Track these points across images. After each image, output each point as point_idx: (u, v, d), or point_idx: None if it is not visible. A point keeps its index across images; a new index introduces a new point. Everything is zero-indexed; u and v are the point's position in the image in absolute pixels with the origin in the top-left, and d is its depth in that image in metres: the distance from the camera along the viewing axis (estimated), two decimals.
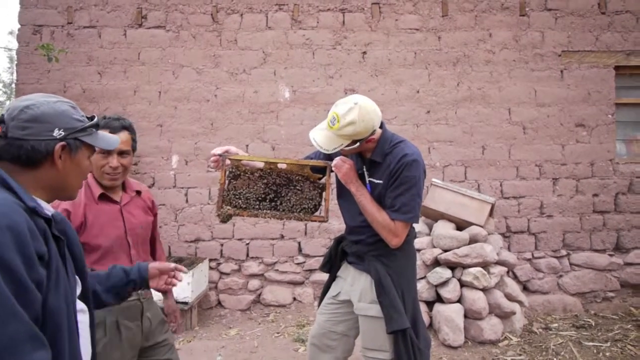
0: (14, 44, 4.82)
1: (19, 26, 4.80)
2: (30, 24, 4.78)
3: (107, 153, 1.83)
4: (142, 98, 4.79)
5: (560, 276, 4.73)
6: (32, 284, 0.93)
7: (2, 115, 1.10)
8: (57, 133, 1.10)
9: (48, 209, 1.14)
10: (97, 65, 4.78)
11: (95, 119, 1.22)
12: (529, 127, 4.88)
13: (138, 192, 2.02)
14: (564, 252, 4.78)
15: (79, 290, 1.18)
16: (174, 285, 1.58)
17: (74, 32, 4.79)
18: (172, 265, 1.58)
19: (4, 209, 0.94)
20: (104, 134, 1.28)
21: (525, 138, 4.87)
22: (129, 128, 1.90)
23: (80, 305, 1.21)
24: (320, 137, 1.85)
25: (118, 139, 1.35)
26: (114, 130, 1.83)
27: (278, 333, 4.01)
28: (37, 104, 1.10)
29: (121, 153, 1.85)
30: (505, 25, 4.90)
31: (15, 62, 4.92)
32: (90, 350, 1.25)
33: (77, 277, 1.24)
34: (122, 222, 1.88)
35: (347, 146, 1.85)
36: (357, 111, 1.77)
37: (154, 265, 1.53)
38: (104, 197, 1.87)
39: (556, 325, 4.12)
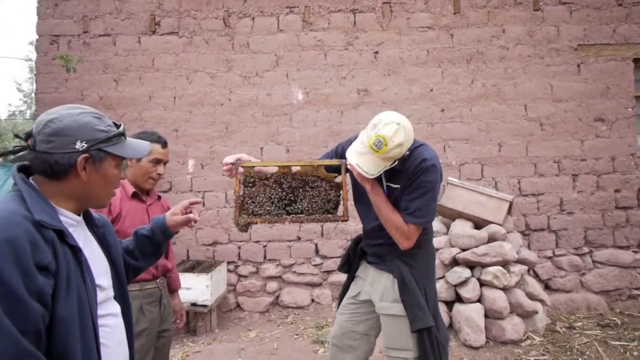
0: (34, 55, 4.98)
1: (37, 37, 4.90)
2: (48, 34, 4.88)
3: (157, 162, 2.17)
4: (157, 104, 4.85)
5: (583, 274, 4.64)
6: (30, 296, 0.94)
7: (32, 128, 1.13)
8: (79, 145, 1.11)
9: (72, 217, 1.16)
10: (113, 73, 4.86)
11: (120, 129, 1.20)
12: (546, 123, 4.80)
13: (159, 197, 2.35)
14: (586, 250, 4.69)
15: (103, 296, 1.19)
16: (195, 220, 1.57)
17: (89, 41, 4.87)
18: (185, 202, 1.58)
19: (4, 222, 0.98)
20: (132, 141, 1.26)
21: (543, 134, 4.80)
22: (167, 143, 2.25)
23: (111, 308, 1.23)
24: (365, 163, 1.79)
25: (148, 146, 1.31)
26: (164, 146, 2.19)
27: (297, 335, 4.00)
28: (60, 117, 1.12)
29: (165, 163, 2.24)
30: (519, 20, 4.84)
31: (35, 72, 5.02)
32: (127, 352, 1.26)
33: (111, 281, 1.26)
34: (147, 218, 2.14)
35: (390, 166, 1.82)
36: (403, 132, 1.73)
37: (170, 218, 1.53)
38: (135, 196, 2.17)
39: (580, 324, 4.03)
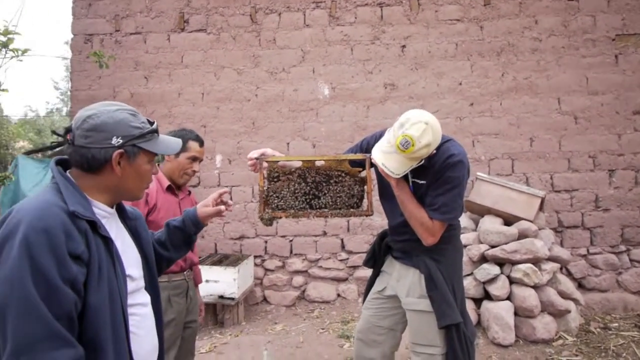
0: (68, 54, 5.22)
1: (72, 36, 5.07)
2: (82, 34, 5.04)
3: (194, 159, 2.26)
4: (186, 100, 4.94)
5: (620, 273, 4.47)
6: (64, 283, 0.98)
7: (72, 124, 1.18)
8: (115, 141, 1.15)
9: (105, 209, 1.20)
10: (144, 70, 4.97)
11: (153, 126, 1.24)
12: (581, 117, 4.63)
13: (189, 192, 2.47)
14: (623, 248, 4.51)
15: (133, 286, 1.22)
16: (229, 204, 1.62)
17: (121, 39, 5.00)
18: (215, 194, 1.62)
19: (41, 212, 1.02)
20: (164, 138, 1.29)
21: (577, 128, 4.63)
22: (204, 142, 2.35)
23: (141, 298, 1.26)
24: (391, 163, 1.77)
25: (180, 143, 1.34)
26: (201, 145, 2.29)
27: (323, 329, 4.02)
28: (98, 113, 1.16)
29: (200, 160, 2.34)
30: (552, 10, 4.68)
31: (70, 71, 5.20)
32: (156, 341, 1.29)
33: (142, 271, 1.30)
34: (179, 211, 2.24)
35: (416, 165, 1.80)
36: (431, 132, 1.70)
37: (201, 210, 1.57)
38: (169, 189, 2.27)
39: (616, 324, 3.89)
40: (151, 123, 1.25)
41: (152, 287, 1.34)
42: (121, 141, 1.16)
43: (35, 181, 6.65)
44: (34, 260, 0.96)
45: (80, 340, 1.02)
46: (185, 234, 1.56)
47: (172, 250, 1.55)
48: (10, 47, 3.66)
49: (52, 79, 35.99)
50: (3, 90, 3.82)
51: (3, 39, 3.61)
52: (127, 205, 1.38)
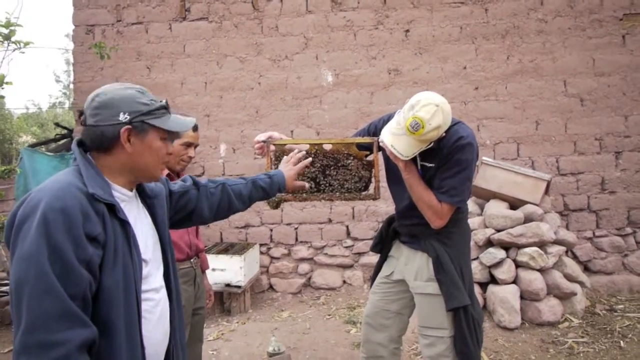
0: (70, 46, 5.21)
1: (73, 27, 5.04)
2: (83, 24, 5.01)
3: (188, 145, 2.19)
4: (189, 89, 4.92)
5: (626, 255, 4.46)
6: (79, 263, 1.00)
7: (85, 105, 1.19)
8: (122, 117, 1.15)
9: (124, 193, 1.20)
10: (146, 60, 4.95)
11: (163, 102, 1.23)
12: (587, 99, 4.58)
13: None
14: (629, 230, 4.50)
15: (147, 271, 1.21)
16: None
17: (123, 29, 4.98)
18: (295, 157, 1.83)
19: (60, 192, 1.03)
20: (176, 117, 1.28)
21: (583, 110, 4.59)
22: (197, 127, 2.26)
23: (155, 283, 1.25)
24: (400, 145, 1.77)
25: (191, 122, 1.33)
26: (195, 129, 2.19)
27: (329, 315, 4.05)
28: (105, 91, 1.17)
29: (195, 146, 2.26)
30: None
31: (72, 63, 5.18)
32: (167, 327, 1.28)
33: (159, 253, 1.29)
34: None
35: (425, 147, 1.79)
36: (441, 114, 1.70)
37: (289, 172, 1.76)
38: (168, 177, 2.15)
39: (622, 306, 3.90)
40: (164, 102, 1.25)
41: (166, 267, 1.33)
42: (129, 117, 1.15)
43: (48, 176, 6.65)
44: (50, 239, 0.97)
45: (93, 320, 1.03)
46: (267, 195, 1.69)
47: (247, 205, 1.66)
48: (13, 39, 3.64)
49: (53, 73, 36.00)
50: (7, 83, 3.82)
51: (5, 31, 3.60)
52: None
